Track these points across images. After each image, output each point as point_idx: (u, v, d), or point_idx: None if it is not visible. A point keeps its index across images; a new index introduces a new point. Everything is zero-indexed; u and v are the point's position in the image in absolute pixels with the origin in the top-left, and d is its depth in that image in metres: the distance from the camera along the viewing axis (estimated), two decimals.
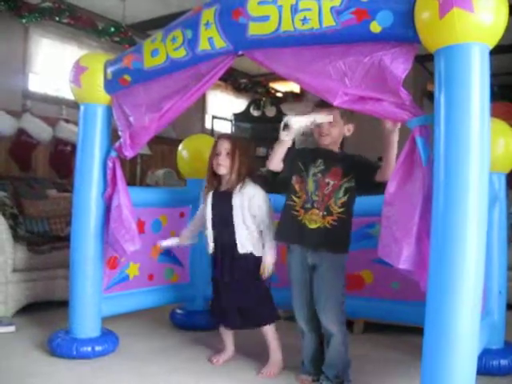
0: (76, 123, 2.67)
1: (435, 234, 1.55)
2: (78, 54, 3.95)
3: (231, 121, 7.80)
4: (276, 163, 2.06)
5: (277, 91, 8.44)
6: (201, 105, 7.56)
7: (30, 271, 3.13)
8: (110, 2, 5.41)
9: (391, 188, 1.73)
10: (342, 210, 2.01)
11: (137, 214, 2.52)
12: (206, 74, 2.11)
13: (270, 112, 7.76)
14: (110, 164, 2.39)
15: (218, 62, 2.08)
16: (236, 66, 7.37)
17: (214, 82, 2.16)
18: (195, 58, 2.09)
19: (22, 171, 4.86)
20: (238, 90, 8.17)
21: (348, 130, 2.09)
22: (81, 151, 2.44)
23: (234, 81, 7.86)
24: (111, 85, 2.38)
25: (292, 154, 2.15)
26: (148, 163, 6.23)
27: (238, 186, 2.22)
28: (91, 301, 2.40)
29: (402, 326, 2.75)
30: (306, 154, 2.14)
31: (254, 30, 1.90)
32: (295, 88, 8.18)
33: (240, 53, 2.03)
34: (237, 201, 2.21)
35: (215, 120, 7.68)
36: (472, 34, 1.48)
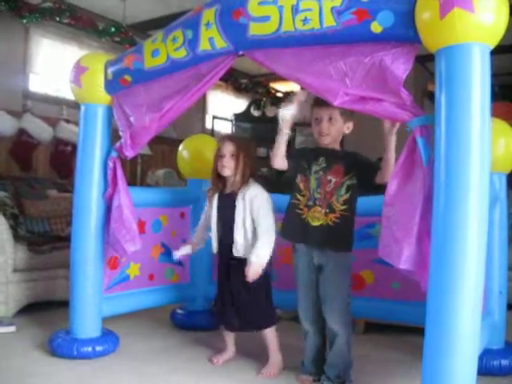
0: (76, 123, 2.68)
1: (436, 234, 1.55)
2: (78, 54, 3.95)
3: (231, 121, 7.80)
4: (280, 160, 2.05)
5: (277, 91, 8.44)
6: (201, 105, 7.56)
7: (30, 271, 3.13)
8: (111, 2, 5.41)
9: (392, 188, 1.73)
10: (344, 207, 2.01)
11: (137, 214, 2.52)
12: (207, 74, 2.11)
13: (271, 112, 7.75)
14: (110, 164, 2.39)
15: (218, 62, 2.08)
16: (236, 66, 7.37)
17: (214, 82, 2.16)
18: (196, 58, 2.09)
19: (22, 171, 4.87)
20: (239, 90, 8.17)
21: (347, 128, 2.09)
22: (81, 151, 2.45)
23: (234, 81, 7.86)
24: (112, 85, 2.38)
25: (295, 153, 2.15)
26: (148, 163, 6.23)
27: (242, 188, 2.22)
28: (92, 301, 2.40)
29: (403, 326, 2.75)
30: (307, 152, 2.14)
31: (255, 30, 1.90)
32: (295, 88, 8.16)
33: (240, 53, 2.03)
34: (240, 203, 2.21)
35: (216, 120, 7.68)
36: (473, 34, 1.48)
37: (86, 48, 5.74)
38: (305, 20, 1.77)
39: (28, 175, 4.77)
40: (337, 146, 2.11)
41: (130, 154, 2.36)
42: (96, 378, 2.13)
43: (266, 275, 2.24)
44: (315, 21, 1.75)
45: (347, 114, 2.04)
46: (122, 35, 5.61)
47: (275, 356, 2.25)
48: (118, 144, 2.39)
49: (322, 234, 2.01)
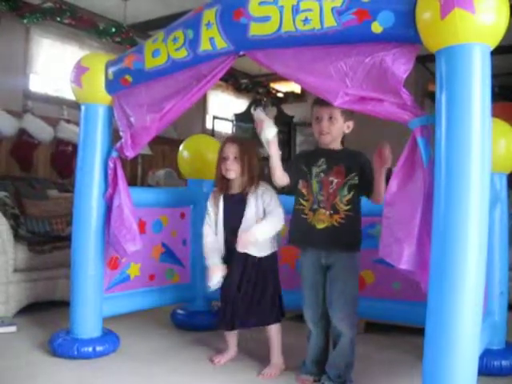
0: (77, 123, 2.68)
1: (436, 235, 1.55)
2: (78, 54, 3.95)
3: (232, 121, 7.80)
4: (280, 175, 2.03)
5: (278, 91, 8.43)
6: (202, 105, 7.56)
7: (31, 271, 3.13)
8: (111, 3, 5.40)
9: (392, 188, 1.73)
10: (348, 207, 2.01)
11: (138, 215, 2.52)
12: (207, 75, 2.11)
13: (271, 112, 7.76)
14: (111, 164, 2.39)
15: (219, 63, 2.08)
16: (237, 67, 7.36)
17: (215, 82, 2.16)
18: (196, 59, 2.09)
19: (22, 171, 4.87)
20: (239, 90, 8.17)
21: (348, 127, 2.08)
22: (82, 151, 2.45)
23: (234, 81, 7.86)
24: (112, 85, 2.38)
25: (294, 161, 2.15)
26: (149, 163, 6.23)
27: (253, 188, 2.22)
28: (92, 301, 2.40)
29: (403, 326, 2.75)
30: (307, 156, 2.14)
31: (255, 30, 1.90)
32: (296, 88, 8.16)
33: (241, 53, 2.03)
34: (251, 203, 2.21)
35: (216, 120, 7.68)
36: (473, 34, 1.48)
37: (86, 48, 5.74)
38: (305, 20, 1.77)
39: (28, 175, 4.77)
40: (337, 146, 2.10)
41: (130, 154, 2.36)
42: (96, 378, 2.13)
43: (275, 271, 2.26)
44: (316, 21, 1.75)
45: (348, 113, 2.03)
46: (123, 35, 5.60)
47: (277, 357, 2.25)
48: (118, 144, 2.39)
49: (327, 236, 2.01)
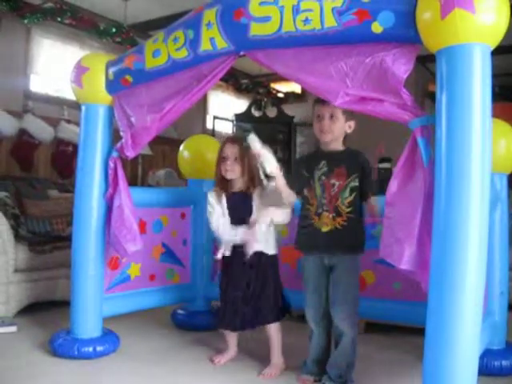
0: (77, 124, 2.68)
1: (437, 235, 1.55)
2: (79, 54, 3.94)
3: (232, 121, 7.80)
4: (286, 195, 2.05)
5: (278, 91, 8.43)
6: (202, 105, 7.56)
7: (31, 271, 3.13)
8: (112, 3, 5.40)
9: (393, 189, 1.73)
10: (349, 209, 2.01)
11: (138, 215, 2.53)
12: (208, 75, 2.11)
13: (271, 112, 7.75)
14: (111, 164, 2.39)
15: (219, 63, 2.08)
16: (237, 67, 7.36)
17: (215, 82, 2.17)
18: (197, 59, 2.10)
19: (23, 171, 4.87)
20: (239, 90, 8.17)
21: (349, 126, 2.08)
22: (82, 151, 2.45)
23: (235, 81, 7.86)
24: (113, 85, 2.38)
25: (295, 167, 2.17)
26: (149, 163, 6.23)
27: (255, 188, 2.22)
28: (93, 301, 2.40)
29: (404, 327, 2.75)
30: (307, 159, 2.15)
31: (256, 30, 1.90)
32: (296, 88, 8.16)
33: (241, 53, 2.04)
34: (257, 203, 2.21)
35: (216, 120, 7.68)
36: (473, 34, 1.48)
37: (87, 48, 5.74)
38: (306, 20, 1.77)
39: (29, 175, 4.77)
40: (338, 146, 2.10)
41: (130, 154, 2.37)
42: (97, 378, 2.13)
43: (276, 270, 2.26)
44: (316, 21, 1.75)
45: (349, 113, 2.03)
46: (123, 35, 5.60)
47: (277, 357, 2.25)
48: (118, 144, 2.39)
49: (331, 239, 2.02)
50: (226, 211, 2.26)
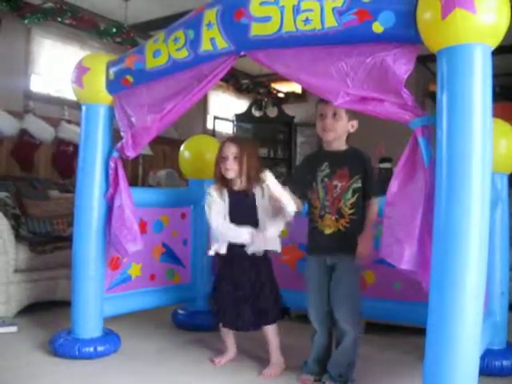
0: (78, 124, 2.68)
1: (437, 235, 1.55)
2: (79, 54, 3.95)
3: (233, 121, 7.80)
4: (298, 203, 2.05)
5: (278, 92, 8.42)
6: (202, 105, 7.56)
7: (31, 271, 3.13)
8: (112, 3, 5.40)
9: (393, 189, 1.73)
10: (352, 211, 2.01)
11: (139, 215, 2.53)
12: (208, 75, 2.11)
13: (272, 112, 7.75)
14: (111, 164, 2.39)
15: (219, 63, 2.08)
16: (238, 67, 7.36)
17: (215, 82, 2.17)
18: (197, 59, 2.10)
19: (23, 172, 4.87)
20: (240, 90, 8.17)
21: (352, 126, 2.07)
22: (83, 152, 2.45)
23: (235, 81, 7.85)
24: (113, 85, 2.38)
25: (298, 170, 2.16)
26: (150, 163, 6.23)
27: (254, 188, 2.22)
28: (93, 301, 2.40)
29: (404, 327, 2.75)
30: (310, 161, 2.15)
31: (256, 30, 1.90)
32: (297, 88, 8.16)
33: (242, 53, 2.04)
34: (260, 202, 2.22)
35: (217, 120, 7.68)
36: (474, 34, 1.48)
37: (87, 48, 5.74)
38: (306, 20, 1.77)
39: (30, 175, 4.77)
40: (341, 146, 2.10)
41: (131, 154, 2.37)
42: (98, 378, 2.13)
43: (271, 270, 2.26)
44: (316, 21, 1.75)
45: (352, 112, 2.03)
46: (124, 36, 5.60)
47: (277, 357, 2.25)
48: (119, 144, 2.39)
49: (333, 242, 2.02)
50: (228, 208, 2.25)
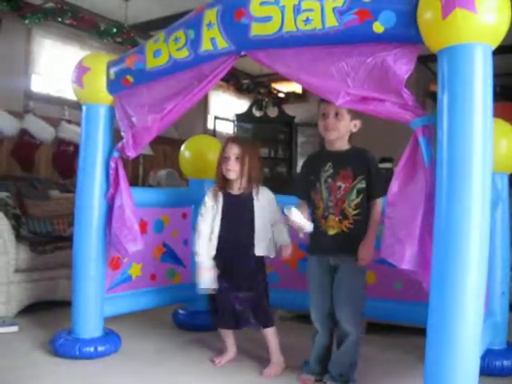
0: (78, 124, 2.68)
1: (438, 235, 1.55)
2: (80, 54, 3.95)
3: (233, 121, 7.80)
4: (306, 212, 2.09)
5: (279, 92, 8.42)
6: (203, 105, 7.56)
7: (32, 271, 3.13)
8: (113, 3, 5.40)
9: (394, 189, 1.73)
10: (356, 211, 2.01)
11: (139, 215, 2.53)
12: (209, 75, 2.11)
13: (272, 112, 7.75)
14: (112, 164, 2.39)
15: (220, 63, 2.08)
16: (238, 67, 7.36)
17: (216, 82, 2.17)
18: (198, 59, 2.09)
19: (24, 172, 4.87)
20: (240, 90, 8.17)
21: (354, 125, 2.07)
22: (83, 152, 2.45)
23: (236, 81, 7.85)
24: (114, 85, 2.38)
25: (301, 171, 2.17)
26: (150, 163, 6.23)
27: (255, 191, 2.23)
28: (94, 301, 2.40)
29: (405, 327, 2.75)
30: (313, 161, 2.15)
31: (257, 30, 1.90)
32: (297, 88, 8.16)
33: (242, 53, 2.03)
34: (257, 205, 2.23)
35: (217, 120, 7.68)
36: (475, 34, 1.48)
37: (87, 48, 5.74)
38: (307, 20, 1.77)
39: (30, 175, 4.78)
40: (344, 145, 2.09)
41: (131, 154, 2.37)
42: (98, 378, 2.13)
43: (265, 272, 2.27)
44: (317, 21, 1.75)
45: (354, 112, 2.01)
46: (124, 36, 5.60)
47: (277, 356, 2.25)
48: (119, 144, 2.39)
49: (337, 243, 2.02)
50: (221, 211, 2.26)
